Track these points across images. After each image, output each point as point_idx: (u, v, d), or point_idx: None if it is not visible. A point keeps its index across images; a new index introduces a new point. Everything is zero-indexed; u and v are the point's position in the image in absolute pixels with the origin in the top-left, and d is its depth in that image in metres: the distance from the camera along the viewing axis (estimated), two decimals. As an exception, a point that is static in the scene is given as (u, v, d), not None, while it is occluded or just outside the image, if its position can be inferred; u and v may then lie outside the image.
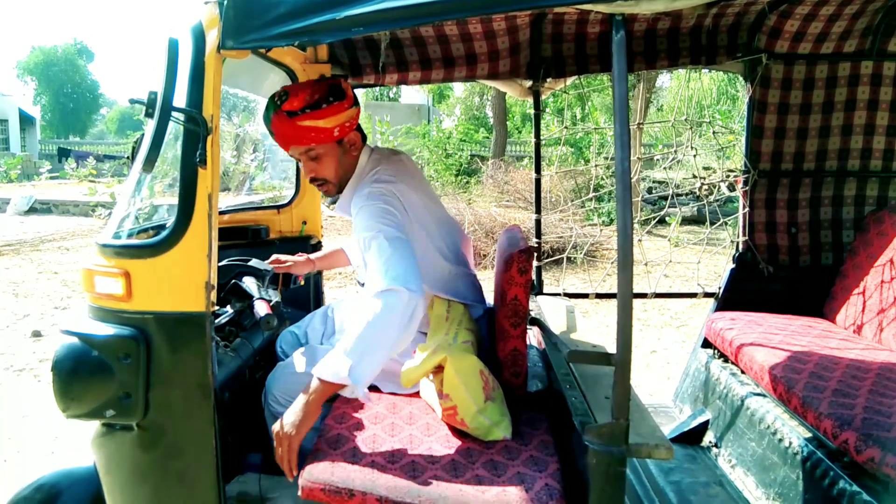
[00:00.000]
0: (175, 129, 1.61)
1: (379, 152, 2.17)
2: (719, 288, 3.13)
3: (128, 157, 1.90)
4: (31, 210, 13.86)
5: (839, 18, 2.73)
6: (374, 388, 2.11)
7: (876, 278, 2.62)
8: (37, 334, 5.40)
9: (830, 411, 1.90)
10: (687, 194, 9.59)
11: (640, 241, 3.65)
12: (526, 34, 2.88)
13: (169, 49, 1.51)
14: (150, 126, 1.56)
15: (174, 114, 1.53)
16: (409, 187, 2.06)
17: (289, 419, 1.69)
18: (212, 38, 1.55)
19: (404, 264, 1.76)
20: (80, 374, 1.65)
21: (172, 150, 1.72)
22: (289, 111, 1.92)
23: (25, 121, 37.07)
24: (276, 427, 1.72)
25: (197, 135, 1.56)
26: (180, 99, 1.55)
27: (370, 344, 1.70)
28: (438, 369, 1.79)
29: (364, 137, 2.15)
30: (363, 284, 2.12)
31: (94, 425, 1.77)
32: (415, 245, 1.90)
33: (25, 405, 4.02)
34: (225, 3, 1.52)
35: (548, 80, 3.01)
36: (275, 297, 2.13)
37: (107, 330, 1.66)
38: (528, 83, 3.07)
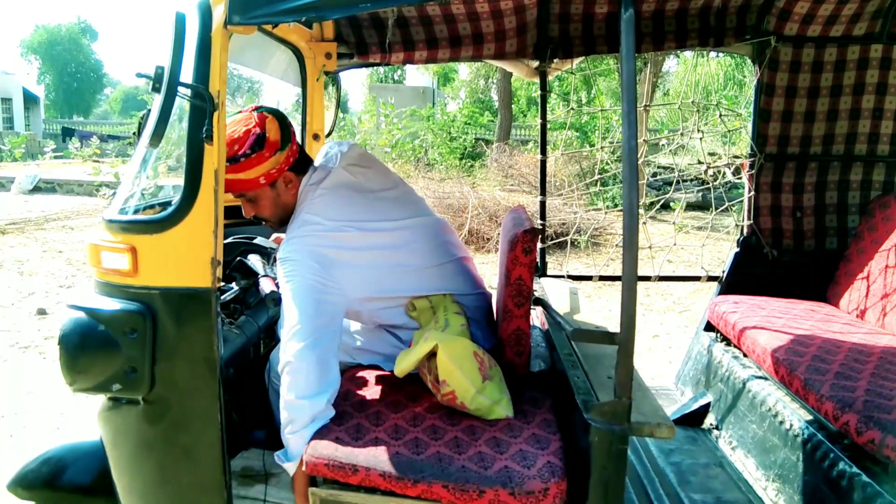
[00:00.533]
0: (181, 107, 1.61)
1: (321, 172, 2.05)
2: (723, 271, 3.13)
3: (133, 134, 1.90)
4: (36, 189, 13.88)
5: (849, 1, 2.70)
6: (377, 367, 2.13)
7: (880, 263, 2.62)
8: (42, 312, 5.43)
9: (832, 394, 1.91)
10: (692, 180, 9.55)
11: (644, 223, 3.65)
12: (533, 14, 2.86)
13: (176, 23, 1.50)
14: (156, 101, 1.56)
15: (181, 89, 1.53)
16: (346, 222, 1.96)
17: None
18: (218, 14, 1.55)
19: (306, 322, 1.75)
20: (87, 349, 1.67)
21: (178, 127, 1.72)
22: None
23: (29, 100, 36.94)
24: None
25: (203, 110, 1.56)
26: (187, 74, 1.55)
27: (297, 411, 1.72)
28: (432, 356, 1.79)
29: (305, 165, 2.05)
30: None
31: (101, 399, 1.79)
32: (368, 275, 1.94)
33: (31, 382, 4.06)
34: (232, -22, 1.51)
35: (555, 60, 2.99)
36: (280, 274, 2.14)
37: (113, 305, 1.67)
38: (535, 64, 3.05)
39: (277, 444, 2.19)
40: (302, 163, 2.04)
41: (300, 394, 1.71)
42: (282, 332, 1.80)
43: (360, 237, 1.97)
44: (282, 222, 2.07)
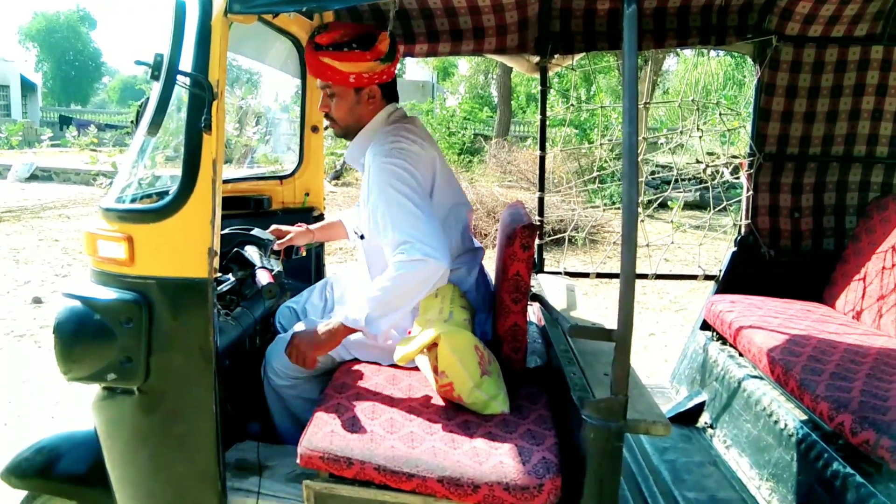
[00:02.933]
0: (179, 96, 1.60)
1: (403, 116, 2.16)
2: (720, 270, 3.13)
3: (131, 122, 1.89)
4: (32, 177, 13.82)
5: (851, 1, 2.70)
6: (374, 361, 2.12)
7: (877, 265, 2.62)
8: (37, 301, 5.41)
9: (827, 394, 1.91)
10: (690, 179, 9.55)
11: (641, 221, 3.65)
12: (535, 9, 2.85)
13: (176, 11, 1.49)
14: (155, 89, 1.55)
15: (180, 78, 1.52)
16: (436, 154, 2.10)
17: (305, 344, 1.94)
18: (219, 2, 1.54)
19: (433, 233, 1.84)
20: (82, 338, 1.66)
21: (177, 117, 1.71)
22: (316, 44, 1.97)
23: (27, 87, 36.81)
24: (291, 344, 1.96)
25: (202, 99, 1.55)
26: (186, 63, 1.54)
27: (393, 305, 1.87)
28: (433, 346, 1.79)
29: (393, 98, 2.16)
30: (362, 237, 2.15)
31: (95, 389, 1.78)
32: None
33: (26, 370, 4.05)
34: (233, -34, 1.50)
35: (555, 56, 2.99)
36: (277, 266, 2.13)
37: (109, 294, 1.66)
38: (536, 59, 3.05)
39: (272, 436, 2.19)
40: (390, 90, 2.12)
41: (405, 298, 1.87)
42: (401, 234, 1.85)
43: (443, 175, 2.11)
44: (346, 132, 2.14)
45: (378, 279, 1.90)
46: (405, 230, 1.84)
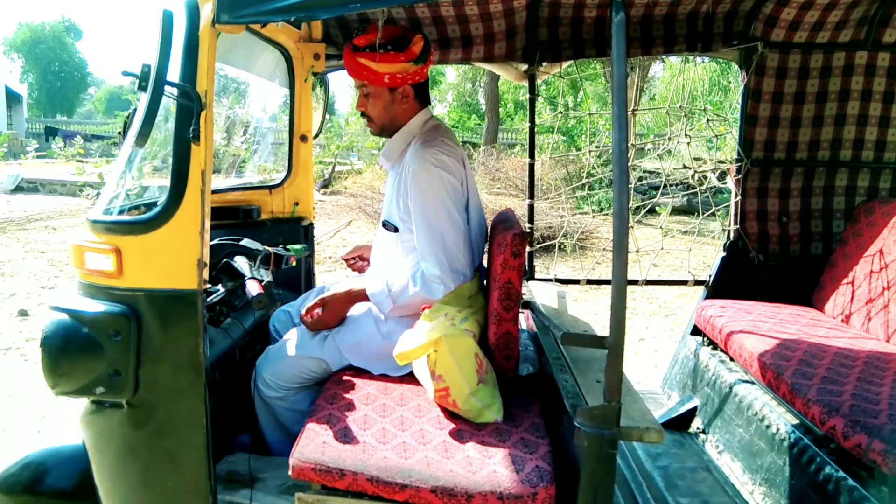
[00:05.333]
0: (167, 106, 1.59)
1: (438, 124, 2.26)
2: (710, 276, 3.14)
3: (118, 133, 1.89)
4: (18, 189, 13.71)
5: (835, 8, 2.72)
6: (365, 372, 2.11)
7: (865, 268, 2.64)
8: (23, 313, 5.36)
9: (818, 398, 1.92)
10: (678, 184, 9.61)
11: (630, 227, 3.66)
12: (522, 17, 2.86)
13: (163, 21, 1.48)
14: (143, 100, 1.54)
15: (168, 88, 1.51)
16: (462, 158, 2.18)
17: (340, 302, 2.18)
18: (206, 12, 1.53)
19: (458, 258, 2.04)
20: (70, 351, 1.64)
21: (165, 127, 1.70)
22: (354, 46, 2.08)
23: (12, 98, 36.56)
24: (313, 316, 2.17)
25: (190, 110, 1.54)
26: (174, 74, 1.53)
27: (397, 305, 2.08)
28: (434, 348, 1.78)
29: (426, 101, 2.25)
30: (396, 229, 2.21)
31: (83, 403, 1.76)
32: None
33: (12, 384, 3.99)
34: (220, -24, 1.49)
35: (543, 64, 3.00)
36: (267, 276, 2.12)
37: (97, 307, 1.64)
38: (524, 67, 3.05)
39: (263, 448, 2.17)
40: (423, 91, 2.22)
41: (408, 308, 2.07)
42: (433, 253, 2.03)
43: (472, 184, 2.24)
44: (381, 130, 2.24)
45: (400, 278, 2.09)
46: (437, 252, 2.02)
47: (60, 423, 3.48)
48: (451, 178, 2.05)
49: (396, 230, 2.20)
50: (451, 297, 2.04)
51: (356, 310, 2.22)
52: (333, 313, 2.17)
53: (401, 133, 2.23)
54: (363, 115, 2.24)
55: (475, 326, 1.95)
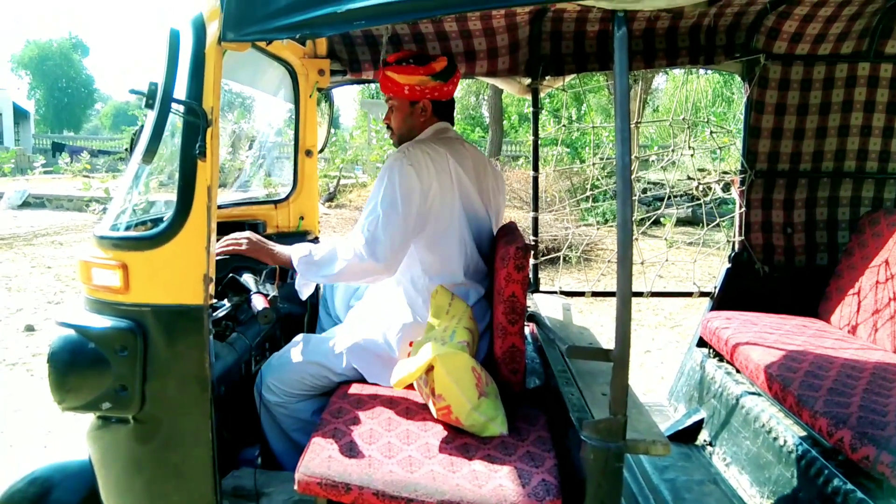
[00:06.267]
0: (173, 122, 1.60)
1: (448, 131, 2.31)
2: (715, 287, 3.14)
3: (126, 150, 1.90)
4: (25, 204, 13.79)
5: (837, 20, 2.74)
6: (370, 385, 2.11)
7: (871, 279, 2.63)
8: (30, 328, 5.37)
9: (826, 410, 1.91)
10: (682, 195, 9.60)
11: (635, 239, 3.66)
12: (525, 32, 2.88)
13: (170, 40, 1.50)
14: (150, 117, 1.55)
15: (174, 105, 1.53)
16: (459, 165, 2.19)
17: (256, 244, 2.13)
18: (213, 30, 1.55)
19: (392, 241, 1.99)
20: (77, 367, 1.64)
21: (171, 144, 1.71)
22: (385, 61, 2.24)
23: (19, 115, 36.83)
24: (241, 239, 2.14)
25: (197, 127, 1.55)
26: (180, 91, 1.55)
27: (324, 273, 2.05)
28: (429, 369, 1.78)
29: (446, 116, 2.32)
30: None
31: (90, 418, 1.76)
32: (434, 224, 2.11)
33: (18, 399, 4.00)
34: (226, -6, 1.51)
35: (546, 77, 3.02)
36: (272, 291, 2.13)
37: (103, 322, 1.65)
38: (527, 81, 3.07)
39: (269, 462, 2.17)
40: (445, 109, 2.30)
41: (338, 277, 2.04)
42: (370, 228, 2.02)
43: (462, 188, 2.21)
44: (400, 141, 2.32)
45: (339, 244, 2.06)
46: (375, 227, 2.00)
47: (66, 438, 3.48)
48: (417, 175, 2.05)
49: None
50: (431, 311, 2.06)
51: (361, 313, 2.21)
52: (250, 248, 2.14)
53: (410, 142, 2.26)
54: (388, 127, 2.34)
55: (466, 335, 1.91)
